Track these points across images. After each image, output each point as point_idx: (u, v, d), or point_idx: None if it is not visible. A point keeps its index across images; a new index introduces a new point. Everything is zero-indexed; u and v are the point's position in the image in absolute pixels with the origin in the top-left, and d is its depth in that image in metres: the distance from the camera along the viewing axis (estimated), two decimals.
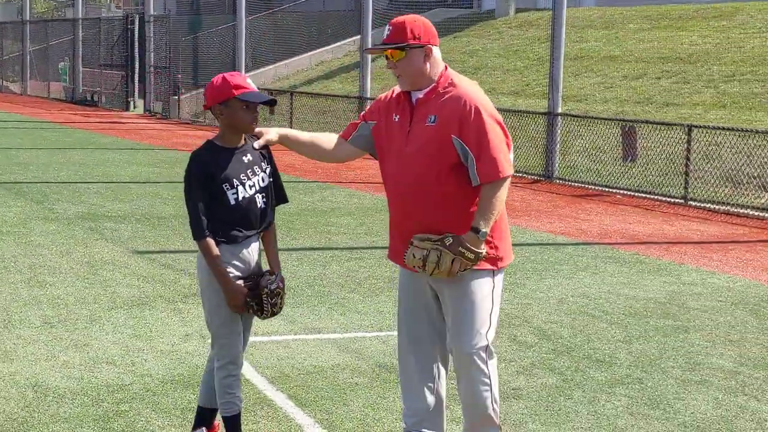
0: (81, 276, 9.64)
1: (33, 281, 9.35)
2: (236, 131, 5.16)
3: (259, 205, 5.18)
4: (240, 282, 5.15)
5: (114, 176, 17.46)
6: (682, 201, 15.66)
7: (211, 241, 5.07)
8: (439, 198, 5.03)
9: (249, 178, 5.14)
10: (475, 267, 5.02)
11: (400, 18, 5.10)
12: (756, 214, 14.61)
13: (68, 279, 9.50)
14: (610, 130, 18.00)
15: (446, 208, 5.03)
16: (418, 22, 5.07)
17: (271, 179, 5.27)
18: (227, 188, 5.08)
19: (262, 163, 5.23)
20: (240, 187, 5.11)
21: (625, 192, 16.64)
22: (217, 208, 5.09)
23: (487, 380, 5.05)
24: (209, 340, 7.55)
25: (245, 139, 5.24)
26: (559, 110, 18.40)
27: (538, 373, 7.03)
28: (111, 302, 8.70)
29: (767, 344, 7.86)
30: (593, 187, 17.21)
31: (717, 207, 15.14)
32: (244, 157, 5.16)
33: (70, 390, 6.45)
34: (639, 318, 8.58)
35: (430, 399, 5.29)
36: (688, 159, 15.86)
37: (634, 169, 17.30)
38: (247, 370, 6.95)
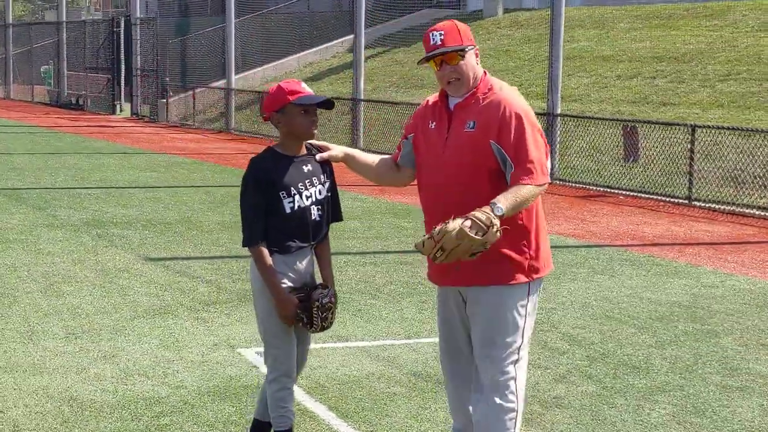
0: (97, 285, 9.50)
1: (50, 291, 9.21)
2: (296, 138, 5.07)
3: (313, 217, 5.09)
4: (291, 293, 5.05)
5: (112, 181, 17.30)
6: (686, 201, 15.63)
7: (264, 249, 4.98)
8: (476, 204, 4.89)
9: (306, 188, 5.05)
10: (504, 281, 4.89)
11: (446, 23, 4.99)
12: (762, 214, 14.59)
13: (85, 288, 9.36)
14: (609, 131, 17.96)
15: None
16: (462, 25, 4.99)
17: (329, 194, 5.17)
18: (284, 196, 5.00)
19: (322, 176, 5.13)
20: (297, 196, 5.02)
21: (627, 193, 16.60)
22: (272, 216, 5.00)
23: (513, 404, 4.86)
24: (239, 350, 7.50)
25: (307, 149, 5.14)
26: (559, 111, 18.35)
27: (575, 381, 6.95)
28: (132, 311, 8.57)
29: None
30: (594, 187, 17.16)
31: (722, 207, 15.11)
32: (304, 167, 5.07)
33: (107, 404, 6.32)
34: (666, 322, 8.51)
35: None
36: (692, 159, 15.83)
37: (635, 170, 17.27)
38: None
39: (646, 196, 16.23)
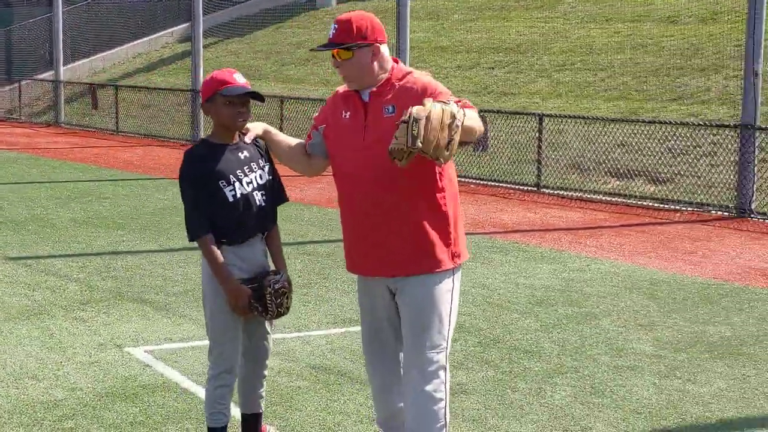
0: None
1: None
2: (225, 128, 4.99)
3: (258, 203, 5.02)
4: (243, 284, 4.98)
5: None
6: (535, 189, 15.99)
7: (209, 239, 4.91)
8: (404, 189, 4.88)
9: (246, 175, 4.98)
10: (432, 270, 4.89)
11: (347, 15, 4.93)
12: (608, 199, 15.05)
13: None
14: None
15: (412, 199, 4.87)
16: (365, 21, 4.90)
17: (270, 177, 5.09)
18: (224, 185, 4.92)
19: (260, 160, 5.07)
20: (237, 184, 4.95)
21: (478, 181, 16.86)
22: (216, 207, 4.92)
23: (442, 394, 4.89)
24: (126, 349, 7.29)
25: (239, 136, 5.05)
26: None
27: (474, 367, 7.03)
28: (5, 314, 8.24)
29: (674, 327, 8.08)
30: None
31: (569, 194, 15.52)
32: (240, 154, 5.01)
33: (4, 409, 6.07)
34: (546, 306, 8.70)
35: (399, 402, 5.19)
36: (540, 147, 16.21)
37: (483, 159, 17.55)
38: (182, 380, 6.71)
39: (496, 184, 16.53)
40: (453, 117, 4.51)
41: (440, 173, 4.90)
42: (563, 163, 16.49)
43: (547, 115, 16.66)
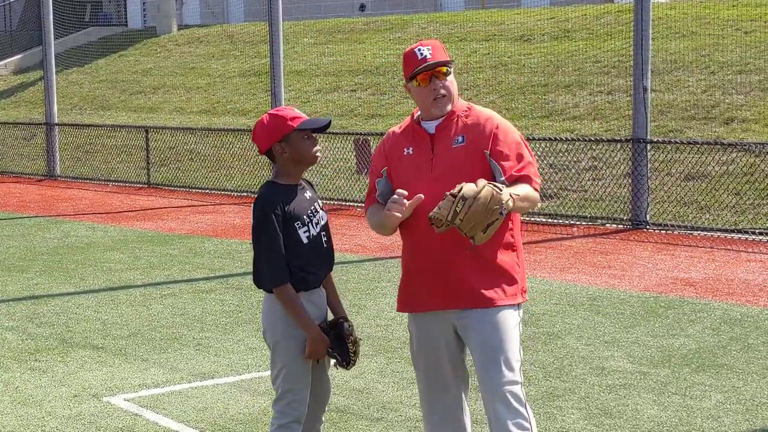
0: None
1: None
2: (301, 165, 4.85)
3: (324, 244, 4.89)
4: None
5: None
6: None
7: (291, 287, 4.73)
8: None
9: (314, 215, 4.86)
10: (501, 303, 4.85)
11: (427, 40, 5.01)
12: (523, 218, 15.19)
13: None
14: (337, 144, 18.14)
15: None
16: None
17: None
18: (299, 226, 4.79)
19: (319, 201, 4.94)
20: (309, 225, 4.83)
21: (361, 204, 16.81)
22: (291, 251, 4.75)
23: (527, 423, 4.82)
24: (105, 399, 6.93)
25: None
26: None
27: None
28: None
29: (639, 342, 8.20)
30: (330, 201, 17.25)
31: None
32: (305, 194, 4.89)
33: None
34: None
35: None
36: None
37: (361, 182, 17.51)
38: (182, 427, 6.45)
39: None
40: (500, 204, 4.52)
41: None
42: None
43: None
